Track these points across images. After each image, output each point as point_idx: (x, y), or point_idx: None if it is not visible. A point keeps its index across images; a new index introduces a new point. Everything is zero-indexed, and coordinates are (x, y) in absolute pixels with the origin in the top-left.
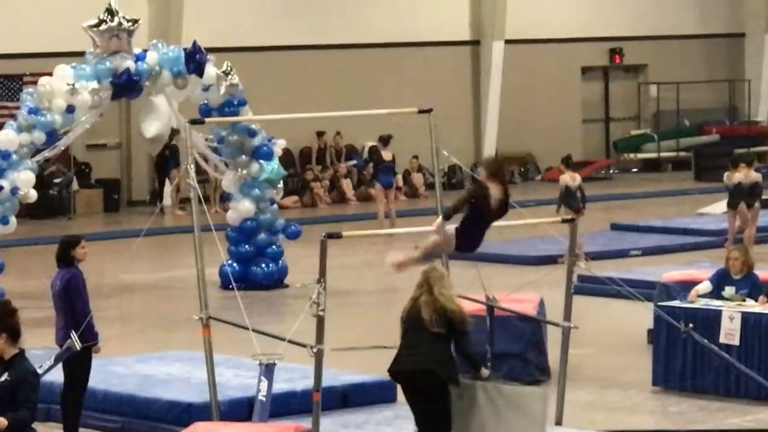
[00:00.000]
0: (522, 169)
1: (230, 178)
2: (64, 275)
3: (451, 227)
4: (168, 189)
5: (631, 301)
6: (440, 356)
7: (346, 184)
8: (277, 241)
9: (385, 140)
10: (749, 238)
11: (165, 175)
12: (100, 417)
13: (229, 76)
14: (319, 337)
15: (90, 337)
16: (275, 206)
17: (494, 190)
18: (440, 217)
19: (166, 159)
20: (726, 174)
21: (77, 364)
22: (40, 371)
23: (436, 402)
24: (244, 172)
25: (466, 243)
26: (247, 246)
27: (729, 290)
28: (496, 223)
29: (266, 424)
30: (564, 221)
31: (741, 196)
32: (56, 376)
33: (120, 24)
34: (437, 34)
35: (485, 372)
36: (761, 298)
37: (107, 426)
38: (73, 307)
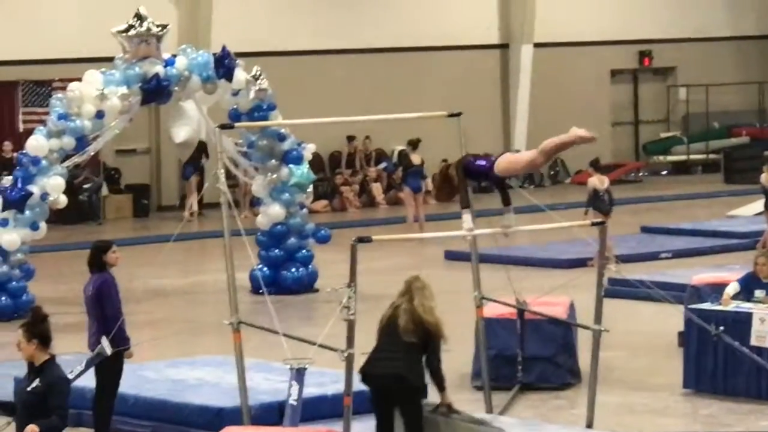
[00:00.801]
0: (552, 173)
1: (260, 182)
2: (96, 280)
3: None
4: (193, 196)
5: (661, 303)
6: (412, 364)
7: (376, 188)
8: (307, 245)
9: (413, 144)
10: None
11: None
12: (130, 422)
13: (259, 81)
14: (350, 342)
15: (121, 342)
16: (305, 210)
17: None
18: (464, 213)
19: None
20: (763, 176)
21: (108, 369)
22: (70, 376)
23: (407, 409)
24: (274, 176)
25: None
26: (277, 250)
27: (759, 293)
28: (525, 227)
29: (297, 429)
30: (594, 224)
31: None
32: (87, 381)
33: (149, 29)
34: (466, 38)
35: (447, 397)
36: None
37: (138, 431)
38: (104, 312)
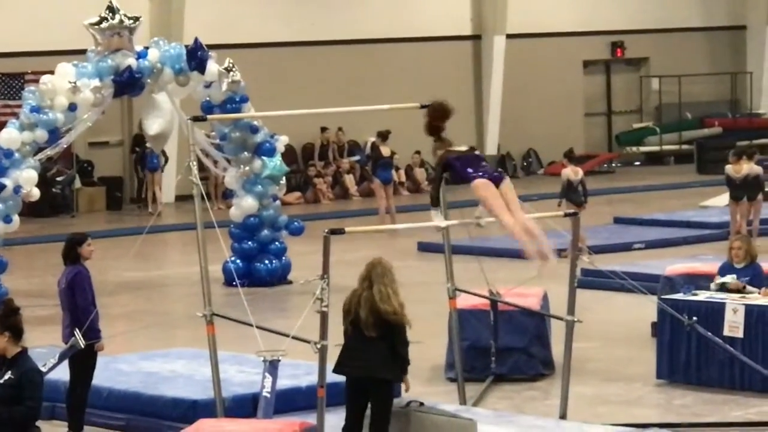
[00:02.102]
0: (524, 163)
1: (233, 174)
2: (70, 273)
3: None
4: (157, 189)
5: (634, 294)
6: (383, 358)
7: (349, 180)
8: (280, 237)
9: (383, 136)
10: (754, 230)
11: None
12: (104, 415)
13: (231, 73)
14: (323, 333)
15: (93, 335)
16: (278, 202)
17: (453, 148)
18: (432, 211)
19: (144, 157)
20: (729, 167)
21: (82, 362)
22: (44, 369)
23: (377, 400)
24: (247, 168)
25: (488, 173)
26: (250, 242)
27: (730, 278)
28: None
29: (271, 421)
30: (567, 215)
31: (744, 189)
32: (60, 374)
33: (121, 22)
34: (439, 29)
35: (407, 381)
36: (763, 289)
37: (111, 423)
38: (76, 304)
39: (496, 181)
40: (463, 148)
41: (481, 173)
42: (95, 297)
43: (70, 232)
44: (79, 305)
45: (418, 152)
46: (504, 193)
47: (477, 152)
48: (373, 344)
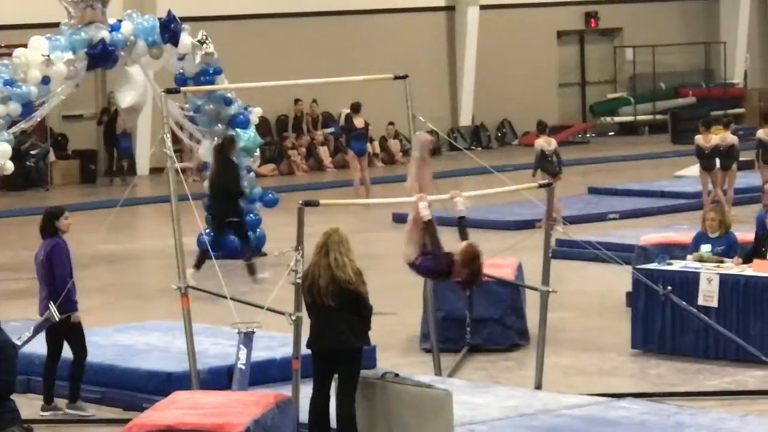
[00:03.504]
0: (498, 134)
1: (207, 146)
2: (48, 245)
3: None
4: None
5: (609, 264)
6: (352, 328)
7: (323, 152)
8: (254, 209)
9: (355, 107)
10: (728, 200)
11: (113, 146)
12: (80, 387)
13: (205, 45)
14: (298, 305)
15: (70, 307)
16: (252, 174)
17: (460, 272)
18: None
19: (114, 131)
20: (699, 136)
21: (78, 338)
22: (18, 343)
23: (346, 368)
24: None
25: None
26: None
27: (704, 248)
28: (473, 192)
29: (246, 392)
30: (541, 186)
31: (718, 159)
32: (36, 347)
33: None
34: (412, 1)
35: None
36: (735, 259)
37: (88, 396)
38: (54, 276)
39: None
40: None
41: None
42: (73, 269)
43: (48, 206)
44: (56, 277)
45: (392, 123)
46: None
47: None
48: (339, 314)
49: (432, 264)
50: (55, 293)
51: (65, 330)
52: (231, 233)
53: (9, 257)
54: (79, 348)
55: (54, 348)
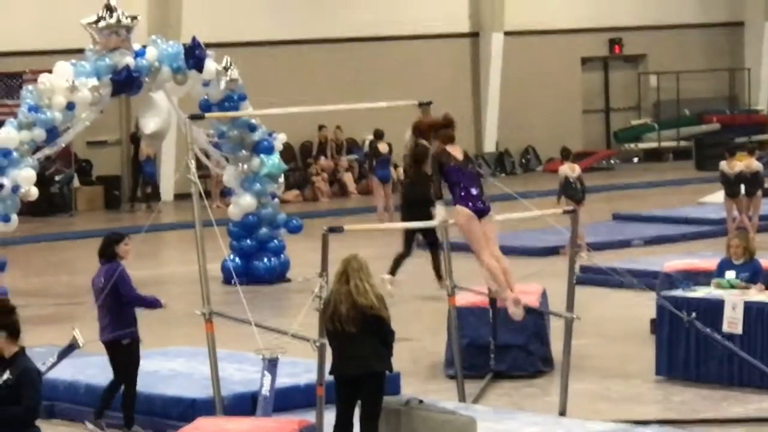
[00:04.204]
0: (523, 161)
1: (231, 173)
2: (109, 270)
3: (462, 210)
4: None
5: (633, 291)
6: (374, 352)
7: (348, 178)
8: (278, 235)
9: (378, 134)
10: (753, 226)
11: (138, 172)
12: (104, 414)
13: (229, 71)
14: (322, 331)
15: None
16: (276, 201)
17: (453, 150)
18: (437, 204)
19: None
20: (723, 162)
21: (124, 359)
22: (43, 368)
23: (369, 393)
24: (245, 166)
25: (475, 203)
26: (248, 241)
27: (729, 274)
28: (498, 216)
29: (270, 419)
30: (565, 212)
31: (743, 185)
32: (60, 373)
33: (119, 20)
34: (437, 27)
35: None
36: (758, 285)
37: (111, 423)
38: (120, 299)
39: (481, 213)
40: (459, 156)
41: (470, 203)
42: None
43: (109, 230)
44: (128, 298)
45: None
46: (485, 228)
47: (472, 166)
48: (361, 340)
49: (458, 185)
50: (127, 314)
51: (121, 354)
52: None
53: (33, 283)
54: (117, 372)
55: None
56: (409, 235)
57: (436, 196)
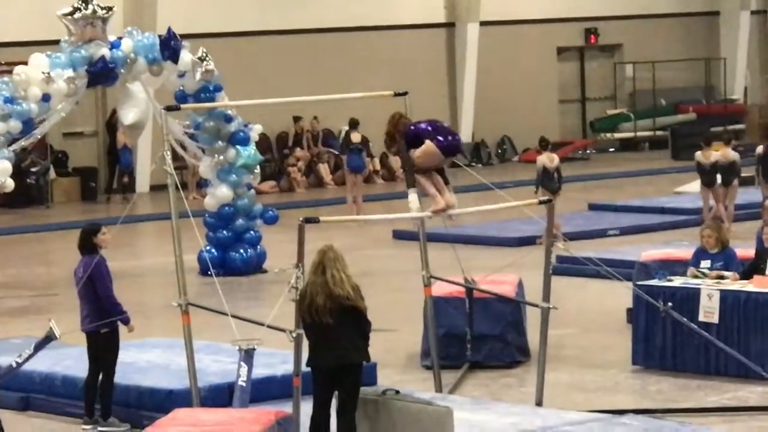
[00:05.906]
0: (499, 151)
1: (207, 164)
2: (88, 262)
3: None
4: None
5: (609, 280)
6: (352, 343)
7: (324, 169)
8: (254, 226)
9: (353, 123)
10: (729, 216)
11: (115, 161)
12: (80, 404)
13: (205, 62)
14: (298, 322)
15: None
16: (252, 191)
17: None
18: (410, 193)
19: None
20: (699, 152)
21: (104, 348)
22: (19, 360)
23: (347, 384)
24: (221, 158)
25: (445, 137)
26: (225, 232)
27: (705, 263)
28: (475, 208)
29: (247, 410)
30: (541, 202)
31: (719, 175)
32: (36, 365)
33: (94, 12)
34: (412, 17)
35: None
36: (732, 274)
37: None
38: (96, 292)
39: (451, 150)
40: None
41: (440, 137)
42: (112, 283)
43: (86, 222)
44: (101, 295)
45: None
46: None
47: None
48: (338, 331)
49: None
50: (101, 309)
51: (101, 343)
52: None
53: (9, 275)
54: (96, 362)
55: (94, 363)
56: None
57: (408, 185)
